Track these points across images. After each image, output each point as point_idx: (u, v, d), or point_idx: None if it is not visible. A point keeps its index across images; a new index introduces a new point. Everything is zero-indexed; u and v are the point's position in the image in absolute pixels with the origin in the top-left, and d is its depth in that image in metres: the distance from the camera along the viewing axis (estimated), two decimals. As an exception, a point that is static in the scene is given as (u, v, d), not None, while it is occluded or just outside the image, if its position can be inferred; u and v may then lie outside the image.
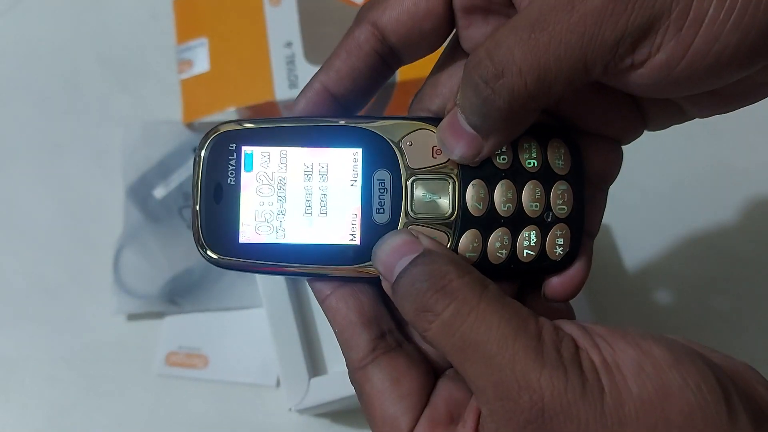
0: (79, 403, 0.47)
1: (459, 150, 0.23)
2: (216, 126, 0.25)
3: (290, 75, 0.49)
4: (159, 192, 0.51)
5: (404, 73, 0.48)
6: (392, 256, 0.23)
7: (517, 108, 0.21)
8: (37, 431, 0.47)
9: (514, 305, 0.21)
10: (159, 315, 0.49)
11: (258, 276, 0.42)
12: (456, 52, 0.26)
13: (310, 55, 0.49)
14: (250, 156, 0.25)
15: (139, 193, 0.51)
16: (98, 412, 0.47)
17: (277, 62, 0.49)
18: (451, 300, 0.21)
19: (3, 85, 0.56)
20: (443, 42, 0.25)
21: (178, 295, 0.48)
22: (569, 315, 0.27)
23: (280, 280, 0.41)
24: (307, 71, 0.48)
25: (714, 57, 0.19)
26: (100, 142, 0.54)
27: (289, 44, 0.49)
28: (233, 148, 0.25)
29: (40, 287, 0.50)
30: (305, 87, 0.25)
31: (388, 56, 0.25)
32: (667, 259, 0.49)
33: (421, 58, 0.26)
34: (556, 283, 0.25)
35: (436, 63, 0.27)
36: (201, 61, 0.51)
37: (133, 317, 0.49)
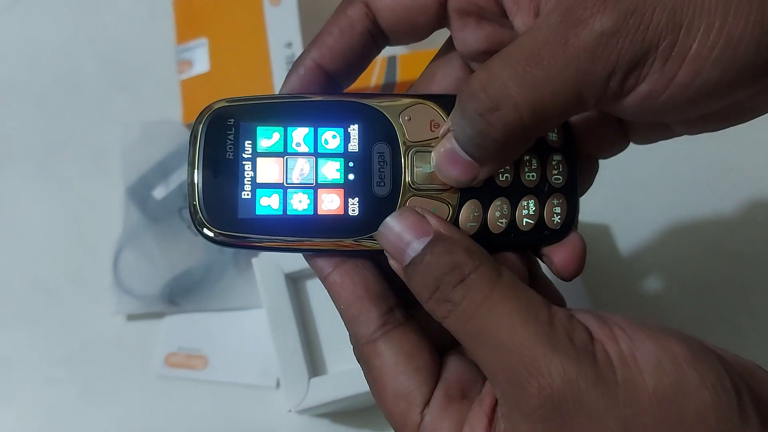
0: (78, 403, 0.47)
1: (455, 176, 0.23)
2: (212, 103, 0.25)
3: (290, 75, 0.48)
4: (159, 192, 0.51)
5: (404, 74, 0.48)
6: (401, 238, 0.23)
7: (513, 139, 0.22)
8: (36, 432, 0.47)
9: (527, 294, 0.21)
10: (158, 315, 0.49)
11: (258, 276, 0.42)
12: (451, 48, 0.27)
13: (310, 55, 0.49)
14: (248, 130, 0.24)
15: (138, 193, 0.51)
16: (97, 413, 0.47)
17: (277, 62, 0.49)
18: (467, 291, 0.21)
19: (2, 86, 0.56)
20: (430, 35, 0.26)
21: (178, 295, 0.48)
22: (562, 303, 0.27)
23: (281, 280, 0.41)
24: (307, 71, 0.48)
25: (695, 90, 0.20)
26: (99, 142, 0.54)
27: (289, 44, 0.49)
28: (231, 123, 0.24)
29: (40, 287, 0.50)
30: (295, 63, 0.25)
31: (378, 37, 0.25)
32: (667, 257, 0.49)
33: (408, 43, 0.26)
34: (562, 258, 0.25)
35: (434, 57, 0.27)
36: (201, 62, 0.51)
37: (132, 318, 0.49)
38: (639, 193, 0.50)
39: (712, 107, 0.21)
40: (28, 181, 0.53)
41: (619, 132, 0.26)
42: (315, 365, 0.41)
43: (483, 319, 0.21)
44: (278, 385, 0.46)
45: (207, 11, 0.52)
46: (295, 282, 0.43)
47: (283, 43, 0.49)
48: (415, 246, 0.22)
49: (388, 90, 0.48)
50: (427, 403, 0.22)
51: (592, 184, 0.28)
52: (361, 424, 0.45)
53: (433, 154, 0.24)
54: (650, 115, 0.22)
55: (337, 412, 0.45)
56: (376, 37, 0.25)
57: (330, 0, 0.50)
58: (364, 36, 0.25)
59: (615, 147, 0.27)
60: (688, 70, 0.20)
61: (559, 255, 0.25)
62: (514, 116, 0.21)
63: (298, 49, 0.49)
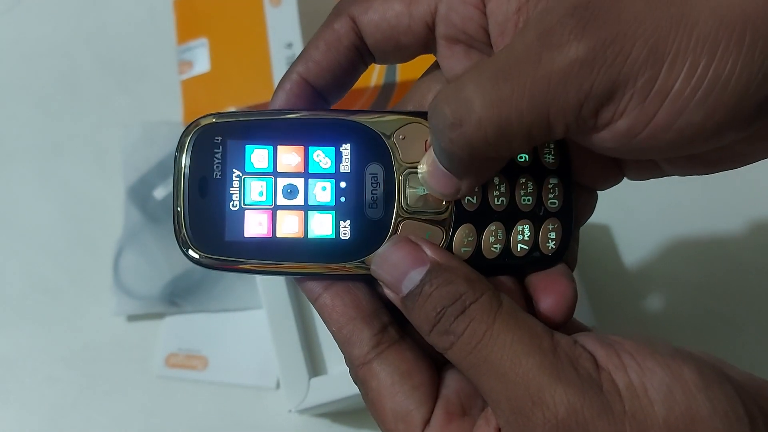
0: (78, 404, 0.47)
1: (439, 188, 0.23)
2: (199, 118, 0.24)
3: (290, 76, 0.48)
4: (159, 192, 0.51)
5: (404, 74, 0.48)
6: (397, 269, 0.22)
7: (478, 157, 0.21)
8: (37, 432, 0.47)
9: (528, 322, 0.21)
10: (159, 316, 0.49)
11: (258, 277, 0.42)
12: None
13: (310, 56, 0.49)
14: (237, 149, 0.23)
15: (139, 193, 0.51)
16: (97, 413, 0.47)
17: (278, 63, 0.49)
18: (468, 322, 0.21)
19: (3, 86, 0.56)
20: (415, 57, 0.25)
21: (178, 296, 0.48)
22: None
23: (280, 280, 0.41)
24: (307, 72, 0.48)
25: (676, 131, 0.19)
26: (100, 142, 0.54)
27: (289, 45, 0.49)
28: (219, 141, 0.23)
29: (40, 288, 0.50)
30: (282, 79, 0.25)
31: (365, 53, 0.25)
32: (667, 261, 0.49)
33: (393, 63, 0.26)
34: (550, 305, 0.24)
35: (426, 72, 0.27)
36: (201, 62, 0.51)
37: (132, 318, 0.49)
38: (639, 193, 0.50)
39: (697, 150, 0.20)
40: (29, 182, 0.53)
41: (614, 166, 0.26)
42: (315, 365, 0.41)
43: (486, 350, 0.20)
44: (278, 385, 0.46)
45: (207, 11, 0.52)
46: (294, 282, 0.43)
47: (283, 44, 0.49)
48: (412, 277, 0.22)
49: (388, 90, 0.48)
50: (427, 423, 0.22)
51: (591, 215, 0.27)
52: (361, 424, 0.45)
53: (419, 164, 0.24)
54: (633, 153, 0.21)
55: (337, 412, 0.45)
56: (362, 53, 0.25)
57: (330, 1, 0.51)
58: (350, 51, 0.24)
59: (610, 180, 0.26)
60: (669, 110, 0.19)
61: (546, 302, 0.24)
62: (477, 133, 0.20)
63: (298, 50, 0.49)
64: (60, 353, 0.48)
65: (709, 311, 0.48)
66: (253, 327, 0.48)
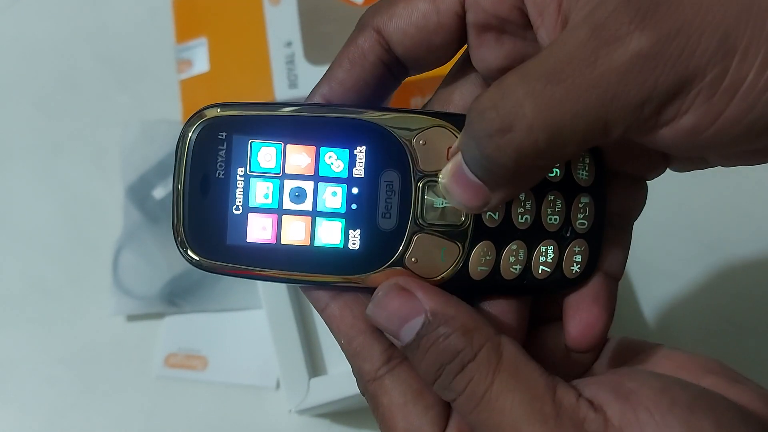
0: (77, 404, 0.47)
1: (464, 200, 0.21)
2: (203, 109, 0.22)
3: (290, 75, 0.48)
4: (158, 192, 0.51)
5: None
6: (393, 321, 0.21)
7: (525, 166, 0.19)
8: (36, 433, 0.47)
9: (529, 377, 0.20)
10: (158, 316, 0.49)
11: (258, 277, 0.42)
12: (468, 64, 0.24)
13: (310, 55, 0.49)
14: (242, 146, 0.22)
15: (138, 193, 0.51)
16: (96, 413, 0.47)
17: (277, 62, 0.49)
18: (467, 381, 0.20)
19: (2, 85, 0.56)
20: (453, 56, 0.24)
21: (178, 296, 0.48)
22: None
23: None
24: (307, 71, 0.48)
25: (747, 126, 0.18)
26: (99, 141, 0.54)
27: (289, 44, 0.49)
28: (223, 137, 0.22)
29: (39, 288, 0.50)
30: (306, 101, 0.24)
31: (395, 66, 0.23)
32: (670, 258, 0.49)
33: (429, 71, 0.24)
34: (575, 334, 0.24)
35: (447, 75, 0.25)
36: (200, 61, 0.51)
37: (132, 318, 0.49)
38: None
39: (762, 144, 0.19)
40: (28, 181, 0.53)
41: (659, 153, 0.24)
42: (315, 365, 0.41)
43: (485, 412, 0.20)
44: (278, 385, 0.46)
45: (207, 11, 0.52)
46: (299, 289, 0.42)
47: (283, 42, 0.49)
48: (410, 328, 0.21)
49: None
50: None
51: (642, 210, 0.26)
52: (361, 424, 0.45)
53: (441, 172, 0.22)
54: (692, 150, 0.19)
55: (337, 412, 0.45)
56: (391, 67, 0.23)
57: (330, 0, 0.50)
58: (377, 66, 0.23)
59: (658, 169, 0.25)
60: (742, 104, 0.17)
61: (573, 330, 0.23)
62: (527, 139, 0.18)
63: (298, 49, 0.49)
64: (58, 353, 0.48)
65: (719, 315, 0.47)
66: (253, 327, 0.47)
